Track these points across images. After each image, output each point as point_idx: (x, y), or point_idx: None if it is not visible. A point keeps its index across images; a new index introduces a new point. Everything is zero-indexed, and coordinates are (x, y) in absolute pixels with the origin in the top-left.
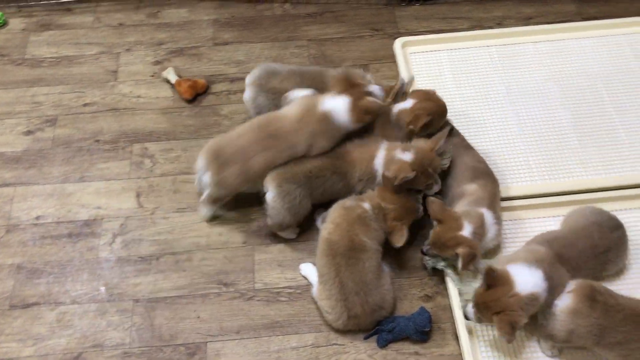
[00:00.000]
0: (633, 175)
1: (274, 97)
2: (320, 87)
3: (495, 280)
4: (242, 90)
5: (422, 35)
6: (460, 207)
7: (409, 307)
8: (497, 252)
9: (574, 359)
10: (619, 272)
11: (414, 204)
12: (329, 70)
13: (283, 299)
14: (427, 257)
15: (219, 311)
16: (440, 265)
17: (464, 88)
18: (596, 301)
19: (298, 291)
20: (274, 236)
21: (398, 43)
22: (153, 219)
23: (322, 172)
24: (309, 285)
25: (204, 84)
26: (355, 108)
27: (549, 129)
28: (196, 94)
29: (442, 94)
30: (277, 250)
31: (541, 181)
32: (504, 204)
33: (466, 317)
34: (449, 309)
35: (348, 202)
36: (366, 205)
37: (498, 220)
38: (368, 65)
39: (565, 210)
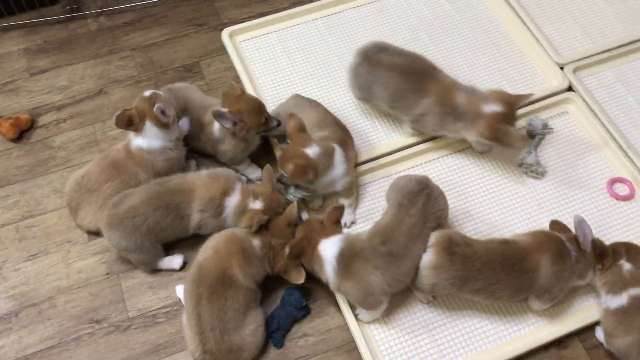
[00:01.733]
0: None
1: (375, 70)
2: (427, 77)
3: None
4: (72, 117)
5: (247, 21)
6: None
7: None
8: (352, 195)
9: (448, 302)
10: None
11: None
12: (438, 72)
13: (161, 319)
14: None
15: (96, 351)
16: (295, 196)
17: (300, 65)
18: (454, 253)
19: (175, 308)
20: None
21: (225, 34)
22: (2, 274)
23: (142, 210)
24: None
25: (28, 118)
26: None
27: None
28: (21, 131)
29: (278, 76)
30: (144, 273)
31: (388, 140)
32: (364, 167)
33: None
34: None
35: (237, 231)
36: (255, 242)
37: (348, 161)
38: (199, 62)
39: (414, 162)
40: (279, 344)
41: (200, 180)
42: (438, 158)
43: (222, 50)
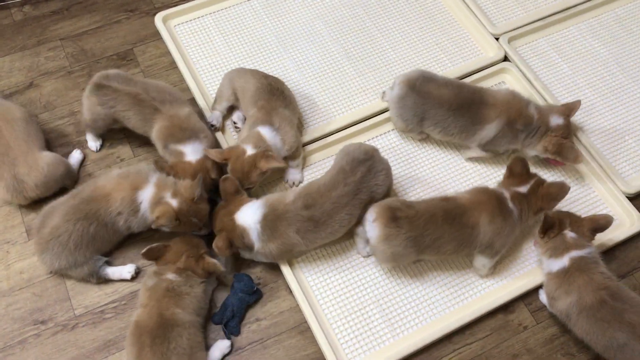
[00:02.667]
0: None
1: (423, 102)
2: (479, 104)
3: (230, 200)
4: None
5: (181, 5)
6: (243, 132)
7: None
8: (298, 156)
9: (396, 277)
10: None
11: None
12: (490, 91)
13: (109, 315)
14: None
15: (43, 352)
16: None
17: (237, 47)
18: (399, 218)
19: (123, 302)
20: None
21: (158, 19)
22: None
23: (64, 228)
24: (133, 293)
25: None
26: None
27: (326, 66)
28: None
29: (216, 59)
30: None
31: (330, 119)
32: (314, 145)
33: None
34: (275, 267)
35: (149, 281)
36: (170, 276)
37: (279, 131)
38: (133, 49)
39: (355, 140)
40: (236, 332)
41: (111, 182)
42: (388, 132)
43: (156, 35)
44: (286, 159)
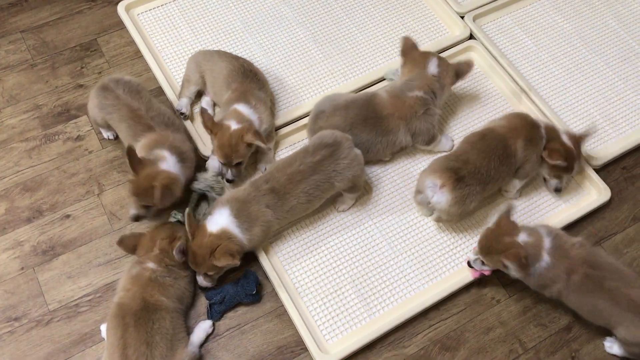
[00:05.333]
0: (375, 72)
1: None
2: (374, 118)
3: (194, 230)
4: None
5: None
6: (220, 115)
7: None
8: (272, 139)
9: (371, 256)
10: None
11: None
12: (376, 95)
13: (84, 308)
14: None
15: (18, 349)
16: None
17: (202, 34)
18: (463, 177)
19: (98, 295)
20: (53, 250)
21: (121, 8)
22: None
23: None
24: (107, 285)
25: None
26: None
27: (293, 51)
28: None
29: (182, 47)
30: (61, 263)
31: (299, 103)
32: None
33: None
34: (250, 252)
35: (133, 269)
36: (151, 265)
37: (257, 109)
38: (97, 40)
39: None
40: (216, 318)
41: None
42: None
43: (120, 24)
44: None
